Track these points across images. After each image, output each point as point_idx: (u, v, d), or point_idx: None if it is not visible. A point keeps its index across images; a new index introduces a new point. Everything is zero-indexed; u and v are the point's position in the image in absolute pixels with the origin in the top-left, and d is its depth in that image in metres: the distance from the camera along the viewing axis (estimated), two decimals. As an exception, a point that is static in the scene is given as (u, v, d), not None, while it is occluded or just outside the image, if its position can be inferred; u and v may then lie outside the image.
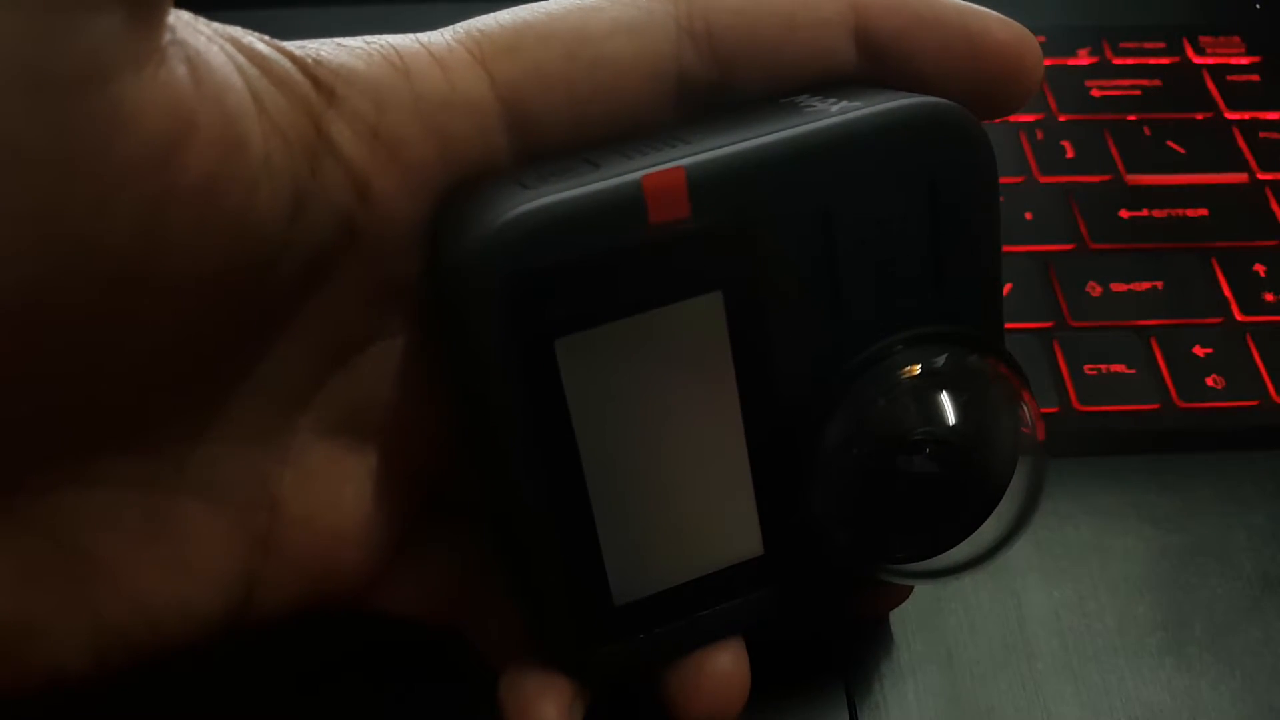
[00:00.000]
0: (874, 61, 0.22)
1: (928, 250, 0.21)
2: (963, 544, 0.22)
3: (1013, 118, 0.39)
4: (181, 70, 0.17)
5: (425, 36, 0.21)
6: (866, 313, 0.21)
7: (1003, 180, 0.37)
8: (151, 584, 0.21)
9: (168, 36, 0.17)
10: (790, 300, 0.21)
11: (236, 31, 0.19)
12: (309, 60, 0.20)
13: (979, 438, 0.22)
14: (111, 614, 0.20)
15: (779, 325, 0.21)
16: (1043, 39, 0.41)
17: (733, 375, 0.21)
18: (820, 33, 0.22)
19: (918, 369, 0.21)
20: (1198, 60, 0.41)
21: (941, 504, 0.22)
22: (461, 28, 0.21)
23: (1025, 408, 0.22)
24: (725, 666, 0.23)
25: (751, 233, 0.20)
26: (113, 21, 0.16)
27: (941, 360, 0.21)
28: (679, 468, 0.21)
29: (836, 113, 0.20)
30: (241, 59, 0.19)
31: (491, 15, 0.22)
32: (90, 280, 0.17)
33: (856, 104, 0.20)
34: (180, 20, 0.18)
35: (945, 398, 0.21)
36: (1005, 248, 0.35)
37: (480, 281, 0.19)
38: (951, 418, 0.21)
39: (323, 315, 0.21)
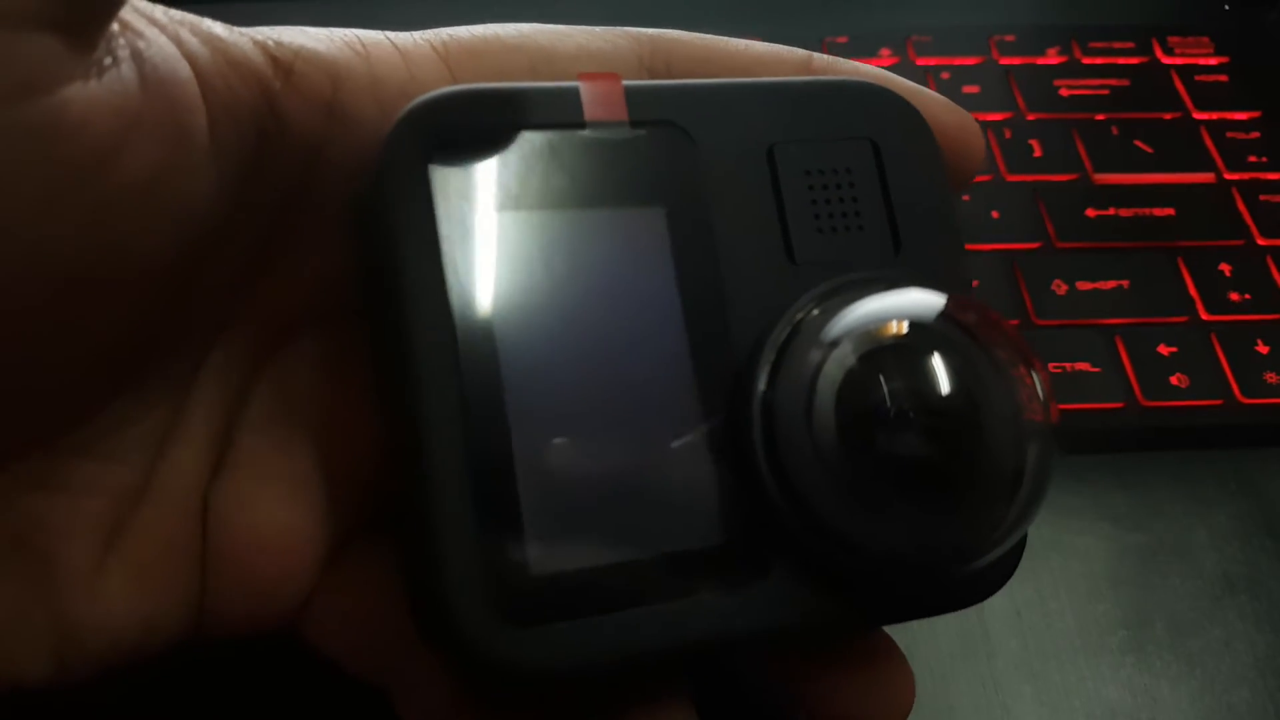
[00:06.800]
0: None
1: (878, 213, 0.21)
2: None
3: (981, 116, 0.39)
4: (127, 70, 0.17)
5: (393, 34, 0.21)
6: (814, 255, 0.21)
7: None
8: (110, 591, 0.20)
9: (115, 39, 0.17)
10: (736, 230, 0.20)
11: (195, 19, 0.19)
12: (269, 42, 0.20)
13: (975, 412, 0.19)
14: (71, 621, 0.20)
15: (726, 254, 0.20)
16: (1012, 38, 0.41)
17: (679, 303, 0.19)
18: None
19: (905, 326, 0.19)
20: (1166, 60, 0.41)
21: (935, 490, 0.19)
22: (431, 30, 0.22)
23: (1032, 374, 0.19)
24: None
25: (694, 155, 0.20)
26: (50, 39, 0.16)
27: (932, 315, 0.19)
28: (616, 404, 0.19)
29: None
30: (195, 42, 0.19)
31: (465, 26, 0.22)
32: (37, 284, 0.17)
33: None
34: (131, 11, 0.18)
35: (937, 361, 0.18)
36: (971, 246, 0.35)
37: (404, 149, 0.18)
38: (945, 386, 0.18)
39: (261, 306, 0.21)
